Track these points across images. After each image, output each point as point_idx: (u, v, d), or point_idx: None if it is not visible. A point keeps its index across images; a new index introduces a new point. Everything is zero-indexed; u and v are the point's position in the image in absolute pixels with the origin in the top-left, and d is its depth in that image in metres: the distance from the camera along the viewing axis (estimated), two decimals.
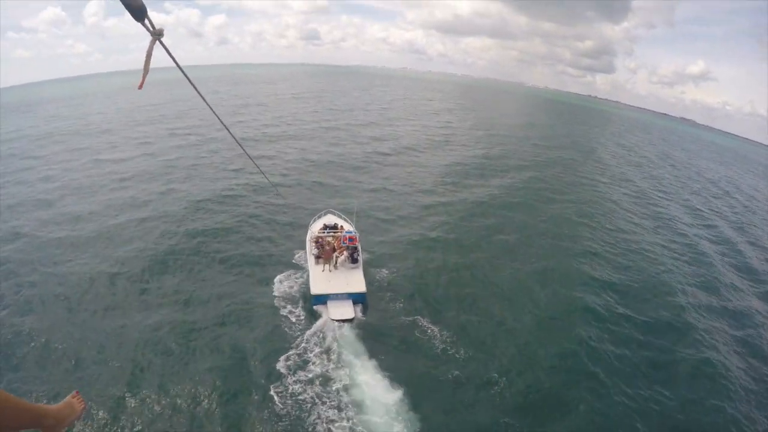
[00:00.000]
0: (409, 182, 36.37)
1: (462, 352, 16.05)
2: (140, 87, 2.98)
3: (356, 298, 17.90)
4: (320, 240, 20.10)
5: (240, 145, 8.09)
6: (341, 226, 22.40)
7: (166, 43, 3.01)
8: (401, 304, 18.82)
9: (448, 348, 16.25)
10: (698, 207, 40.94)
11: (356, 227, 21.55)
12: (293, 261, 21.97)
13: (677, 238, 30.64)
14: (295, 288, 19.39)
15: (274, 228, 26.14)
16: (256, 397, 13.48)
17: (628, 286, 22.50)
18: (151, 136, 50.36)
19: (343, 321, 16.75)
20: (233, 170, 36.59)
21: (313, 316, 17.40)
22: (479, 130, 69.34)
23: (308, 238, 21.14)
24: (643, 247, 27.74)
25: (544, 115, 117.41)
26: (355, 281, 18.45)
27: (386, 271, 21.34)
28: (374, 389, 13.72)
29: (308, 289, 18.21)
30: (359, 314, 17.52)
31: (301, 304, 18.26)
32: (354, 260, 19.66)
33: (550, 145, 61.41)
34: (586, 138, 79.04)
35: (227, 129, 6.67)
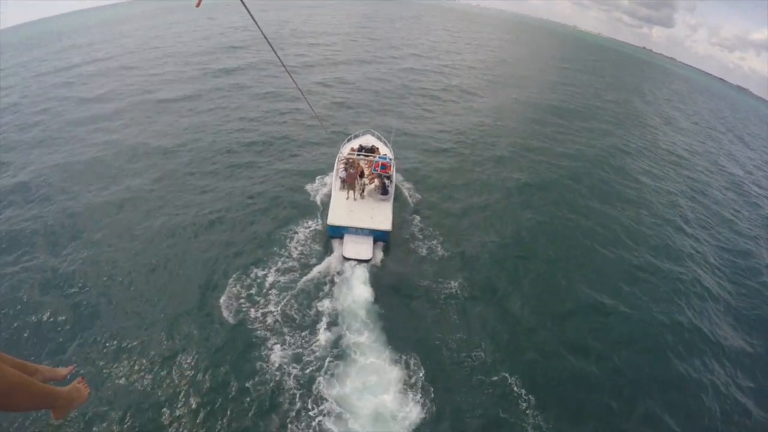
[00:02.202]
0: (464, 126, 31.19)
1: (484, 341, 12.72)
2: (198, 5, 2.92)
3: (378, 236, 15.23)
4: (350, 161, 16.84)
5: (285, 67, 7.67)
6: (378, 149, 19.65)
7: None
8: (431, 256, 15.81)
9: (468, 327, 13.04)
10: None
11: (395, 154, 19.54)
12: (322, 181, 19.88)
13: None
14: (316, 213, 17.26)
15: (305, 147, 24.11)
16: (241, 332, 12.04)
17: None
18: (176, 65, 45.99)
19: (358, 261, 14.29)
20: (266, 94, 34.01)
21: (328, 249, 15.21)
22: (542, 73, 63.01)
23: (338, 157, 18.19)
24: None
25: (606, 65, 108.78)
26: (381, 216, 15.60)
27: (423, 211, 18.46)
28: (373, 350, 11.72)
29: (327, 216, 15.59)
30: (379, 255, 14.96)
31: (318, 232, 16.14)
32: (385, 191, 16.75)
33: (619, 99, 54.87)
34: (655, 96, 70.87)
35: (275, 51, 6.42)
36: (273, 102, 31.86)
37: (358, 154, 18.12)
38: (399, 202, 18.59)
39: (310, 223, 16.64)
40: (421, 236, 16.71)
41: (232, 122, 27.57)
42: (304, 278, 13.82)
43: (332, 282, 13.70)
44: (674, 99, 76.24)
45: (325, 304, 12.88)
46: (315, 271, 14.03)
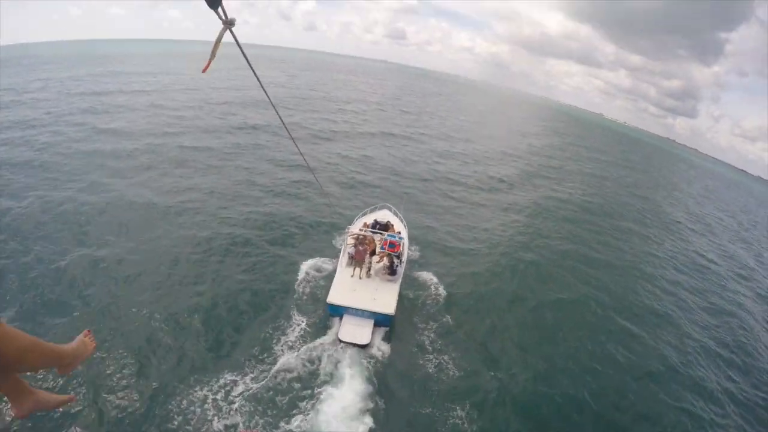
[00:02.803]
0: (492, 221, 28.11)
1: None
2: (204, 71, 2.92)
3: (380, 320, 14.07)
4: (361, 237, 16.18)
5: (292, 138, 7.27)
6: (393, 227, 18.93)
7: (235, 31, 3.14)
8: (439, 374, 13.41)
9: None
10: None
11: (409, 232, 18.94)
12: (318, 271, 17.71)
13: None
14: (306, 312, 15.11)
15: (308, 230, 21.66)
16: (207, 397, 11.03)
17: None
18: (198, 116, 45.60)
19: (354, 345, 13.14)
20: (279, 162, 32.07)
21: (326, 328, 14.11)
22: (573, 164, 60.41)
23: (350, 231, 17.28)
24: None
25: (635, 156, 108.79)
26: (385, 298, 14.55)
27: (438, 318, 15.94)
28: None
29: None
30: (378, 343, 13.65)
31: (307, 333, 14.15)
32: (393, 272, 15.62)
33: (649, 195, 52.60)
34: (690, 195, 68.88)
35: (282, 121, 6.35)
36: (286, 170, 30.07)
37: (372, 232, 17.31)
38: (413, 302, 16.52)
39: (299, 319, 14.38)
40: (431, 348, 14.26)
41: (239, 186, 25.79)
42: (284, 383, 11.81)
43: (313, 397, 11.50)
44: (703, 194, 74.95)
45: (299, 421, 10.77)
46: (298, 370, 12.22)
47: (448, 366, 13.54)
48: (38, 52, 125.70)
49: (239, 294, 15.57)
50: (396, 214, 20.77)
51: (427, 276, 18.23)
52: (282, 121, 6.23)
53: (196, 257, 17.55)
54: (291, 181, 27.78)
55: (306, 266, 17.52)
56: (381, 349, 13.43)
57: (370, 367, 12.56)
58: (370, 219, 19.46)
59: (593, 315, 18.89)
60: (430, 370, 13.32)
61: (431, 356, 13.89)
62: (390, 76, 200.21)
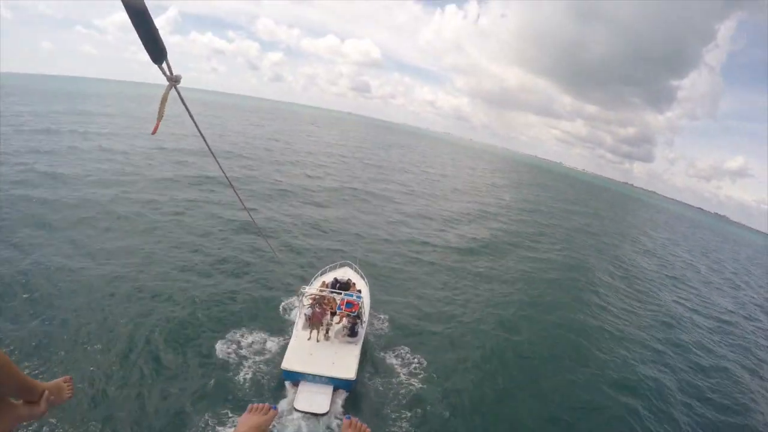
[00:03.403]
0: (467, 294, 23.90)
1: None
2: (154, 132, 2.64)
3: (339, 385, 12.98)
4: (319, 298, 15.13)
5: (242, 202, 6.30)
6: (354, 285, 17.88)
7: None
8: (407, 415, 12.68)
9: None
10: None
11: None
12: (277, 332, 16.14)
13: None
14: (260, 374, 13.65)
15: (258, 306, 18.26)
16: None
17: None
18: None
19: (312, 415, 11.92)
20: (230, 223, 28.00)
21: (281, 395, 12.69)
22: (547, 218, 58.12)
23: (307, 291, 15.75)
24: None
25: (601, 204, 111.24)
26: (345, 362, 13.49)
27: (407, 384, 14.33)
28: None
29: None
30: (338, 408, 12.44)
31: (272, 376, 13.37)
32: (353, 333, 14.56)
33: (618, 243, 52.41)
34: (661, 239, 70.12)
35: (229, 181, 5.43)
36: (238, 232, 26.13)
37: (331, 291, 15.92)
38: (382, 394, 13.93)
39: (234, 413, 11.81)
40: (395, 385, 13.63)
41: (182, 250, 21.89)
42: None
43: None
44: (670, 238, 77.40)
45: None
46: None
47: None
48: (4, 82, 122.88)
49: (160, 383, 12.60)
50: (357, 272, 19.75)
51: (396, 360, 15.69)
52: (226, 175, 5.32)
53: (108, 338, 14.11)
54: (241, 243, 24.33)
55: (246, 346, 14.90)
56: (344, 414, 12.00)
57: None
58: (329, 278, 18.31)
59: (586, 394, 16.52)
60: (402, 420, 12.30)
61: (400, 402, 13.03)
62: (354, 128, 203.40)
